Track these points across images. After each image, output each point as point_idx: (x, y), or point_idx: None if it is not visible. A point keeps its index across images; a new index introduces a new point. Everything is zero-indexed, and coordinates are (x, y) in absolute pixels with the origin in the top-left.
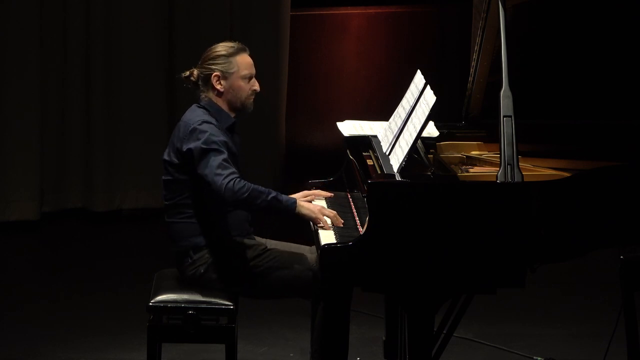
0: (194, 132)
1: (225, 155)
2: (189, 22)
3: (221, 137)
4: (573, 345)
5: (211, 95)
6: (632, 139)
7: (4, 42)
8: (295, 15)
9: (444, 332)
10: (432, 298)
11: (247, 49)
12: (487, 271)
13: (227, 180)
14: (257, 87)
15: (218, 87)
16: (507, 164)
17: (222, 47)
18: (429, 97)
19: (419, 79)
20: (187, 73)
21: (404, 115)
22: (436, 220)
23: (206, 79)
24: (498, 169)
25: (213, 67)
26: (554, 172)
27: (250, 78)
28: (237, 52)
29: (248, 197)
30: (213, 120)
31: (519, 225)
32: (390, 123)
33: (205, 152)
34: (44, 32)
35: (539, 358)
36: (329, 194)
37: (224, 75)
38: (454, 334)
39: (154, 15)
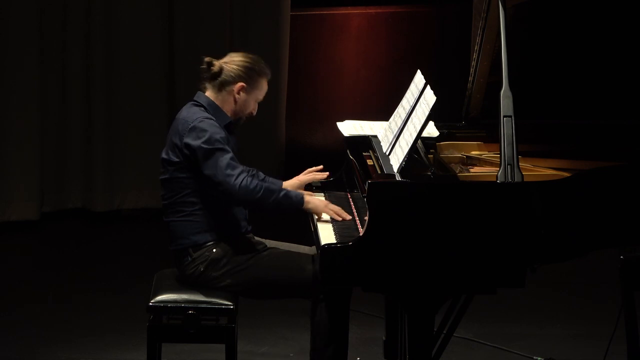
0: (193, 130)
1: (231, 154)
2: (189, 22)
3: (222, 134)
4: (573, 345)
5: (216, 93)
6: (632, 139)
7: (4, 42)
8: (295, 15)
9: (444, 332)
10: (432, 298)
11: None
12: (487, 271)
13: (240, 179)
14: (255, 111)
15: (235, 95)
16: (507, 164)
17: (261, 66)
18: (429, 97)
19: (419, 79)
20: (211, 61)
21: (404, 115)
22: (436, 220)
23: (227, 83)
24: (498, 169)
25: (244, 76)
26: (554, 172)
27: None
28: (267, 77)
29: (261, 196)
30: (212, 117)
31: (519, 225)
32: (390, 123)
33: (210, 153)
34: (44, 32)
35: (539, 358)
36: (324, 175)
37: (247, 91)
38: (454, 334)
39: (153, 15)
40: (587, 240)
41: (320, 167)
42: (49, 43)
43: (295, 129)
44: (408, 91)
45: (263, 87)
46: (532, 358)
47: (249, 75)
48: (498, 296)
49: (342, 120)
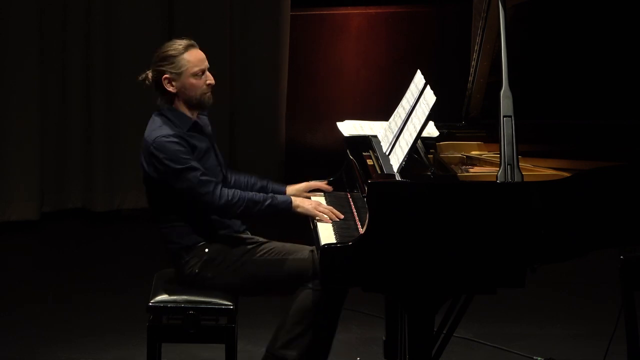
0: (152, 157)
1: (200, 170)
2: (189, 23)
3: (180, 147)
4: (573, 345)
5: (167, 98)
6: (632, 139)
7: (4, 42)
8: (295, 15)
9: (444, 332)
10: (432, 298)
11: (195, 44)
12: (487, 271)
13: (219, 194)
14: (211, 80)
15: (170, 89)
16: (507, 164)
17: (170, 47)
18: (429, 97)
19: (419, 79)
20: (143, 76)
21: (404, 115)
22: (436, 220)
23: (158, 82)
24: (498, 169)
25: (162, 68)
26: (554, 172)
27: (202, 73)
28: (185, 49)
29: (245, 209)
30: (169, 130)
31: (519, 225)
32: (390, 123)
33: (177, 173)
34: (44, 32)
35: (539, 358)
36: (329, 188)
37: (174, 77)
38: (454, 334)
39: (153, 15)
40: (587, 240)
41: (330, 188)
42: (49, 43)
43: (295, 129)
44: (408, 91)
45: (190, 60)
46: (532, 358)
47: (165, 63)
48: (498, 296)
49: (342, 120)
